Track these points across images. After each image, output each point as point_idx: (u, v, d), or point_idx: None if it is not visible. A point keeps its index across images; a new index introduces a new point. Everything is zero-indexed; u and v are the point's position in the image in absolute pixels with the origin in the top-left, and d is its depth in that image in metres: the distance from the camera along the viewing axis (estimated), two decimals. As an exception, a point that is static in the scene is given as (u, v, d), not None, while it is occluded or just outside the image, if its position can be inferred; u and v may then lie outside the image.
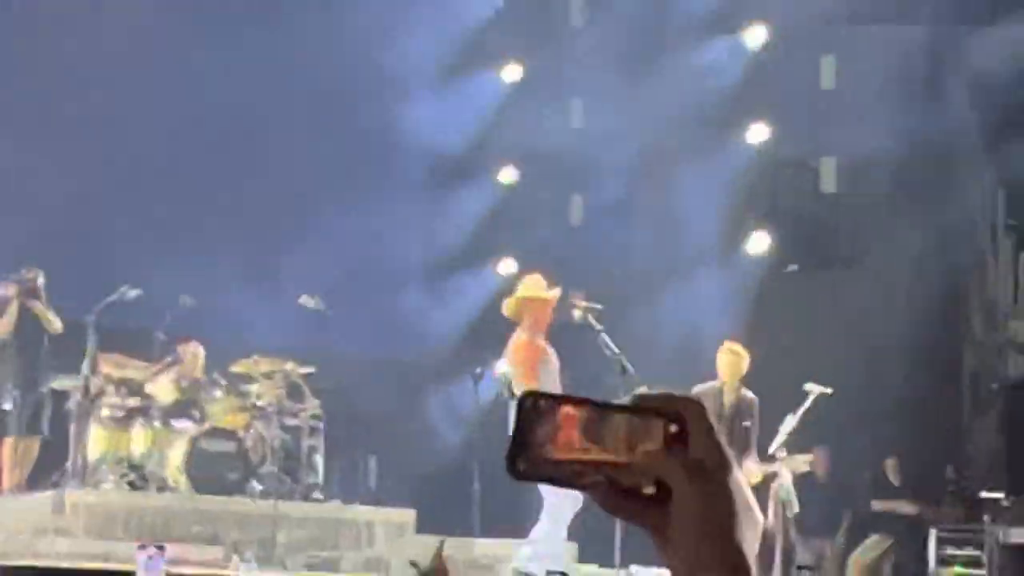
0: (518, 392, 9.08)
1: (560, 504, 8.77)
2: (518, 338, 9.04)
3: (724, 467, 0.68)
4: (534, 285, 9.30)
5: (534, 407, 0.67)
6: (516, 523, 10.22)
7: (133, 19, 10.98)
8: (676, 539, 0.67)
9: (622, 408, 0.70)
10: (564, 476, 0.69)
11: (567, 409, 0.67)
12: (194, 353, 9.21)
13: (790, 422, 9.19)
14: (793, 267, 13.94)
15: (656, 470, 0.67)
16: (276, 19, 11.28)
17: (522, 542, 9.69)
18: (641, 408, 0.69)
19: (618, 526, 8.42)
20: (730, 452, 0.71)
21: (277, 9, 11.46)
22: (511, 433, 0.67)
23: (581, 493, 0.80)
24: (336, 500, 9.61)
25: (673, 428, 0.66)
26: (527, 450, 0.67)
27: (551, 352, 9.09)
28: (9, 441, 8.41)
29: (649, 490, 0.68)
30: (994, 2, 13.63)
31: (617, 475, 0.68)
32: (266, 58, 10.81)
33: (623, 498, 0.69)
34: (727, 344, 9.05)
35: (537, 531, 9.20)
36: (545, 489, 8.33)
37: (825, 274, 14.28)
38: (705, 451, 0.67)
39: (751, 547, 0.68)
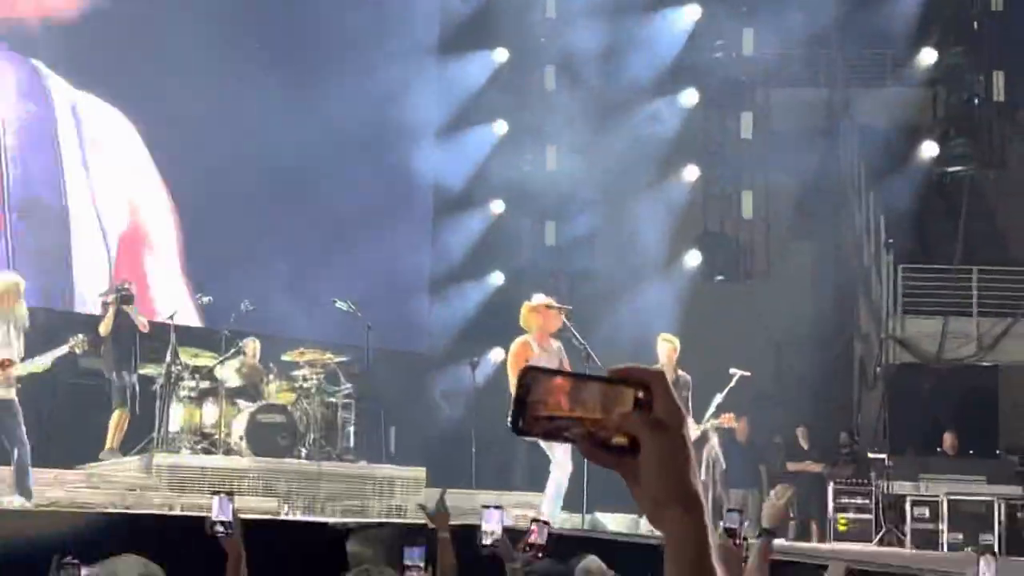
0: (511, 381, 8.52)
1: (565, 461, 8.12)
2: (518, 340, 8.42)
3: (681, 424, 0.69)
4: (539, 301, 8.61)
5: (532, 378, 0.68)
6: (503, 477, 10.32)
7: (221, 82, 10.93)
8: (644, 481, 0.69)
9: (599, 379, 0.71)
10: (553, 431, 0.70)
11: (557, 380, 0.69)
12: (253, 346, 8.99)
13: (718, 398, 8.97)
14: (720, 277, 13.42)
15: (627, 427, 0.68)
16: (323, 85, 11.13)
17: (509, 492, 9.23)
18: (614, 379, 0.70)
19: (585, 479, 8.16)
20: (684, 412, 0.72)
21: (324, 78, 11.25)
22: (514, 398, 0.69)
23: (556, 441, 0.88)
24: (363, 461, 9.22)
25: (640, 394, 0.67)
26: (525, 411, 0.69)
27: (538, 352, 8.31)
28: (115, 413, 8.28)
29: (622, 442, 0.68)
30: (877, 70, 13.62)
31: (596, 431, 0.69)
32: (313, 114, 10.60)
33: (601, 449, 0.70)
34: (662, 335, 8.90)
35: (551, 484, 8.38)
36: (551, 448, 7.96)
37: (744, 283, 13.78)
38: (665, 411, 0.68)
39: (702, 487, 0.71)
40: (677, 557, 0.70)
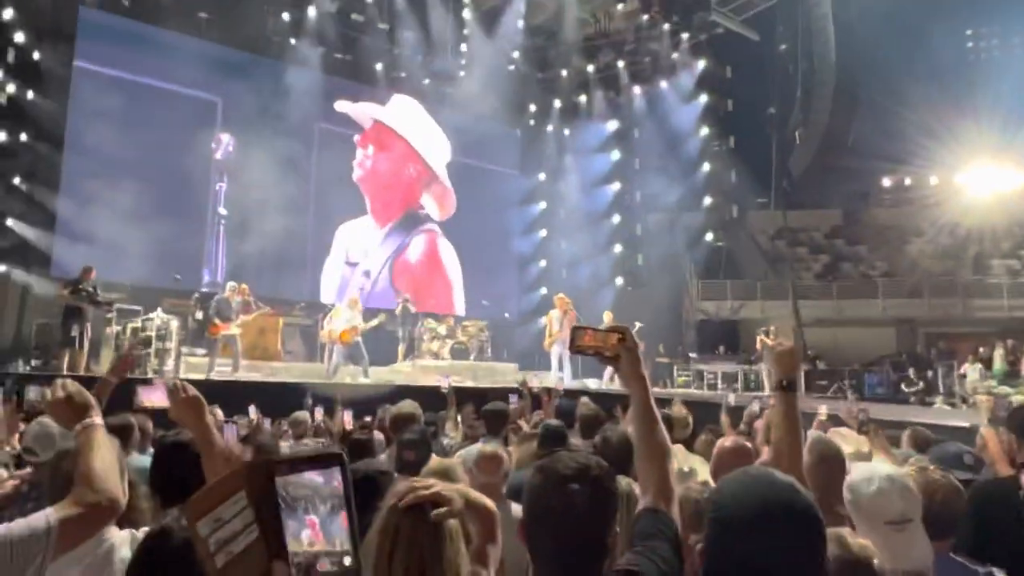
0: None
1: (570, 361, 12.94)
2: (549, 315, 13.67)
3: (635, 347, 1.60)
4: (561, 298, 13.61)
5: (579, 327, 1.57)
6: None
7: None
8: (624, 372, 1.60)
9: (604, 330, 1.60)
10: (586, 350, 1.56)
11: (589, 329, 1.57)
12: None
13: (634, 330, 17.33)
14: (629, 287, 20.55)
15: (616, 350, 1.56)
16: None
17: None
18: (610, 329, 1.58)
19: (580, 362, 13.34)
20: (636, 343, 1.59)
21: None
22: (570, 337, 1.60)
23: (590, 356, 1.63)
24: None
25: (620, 335, 1.54)
26: (574, 342, 1.57)
27: (558, 320, 12.97)
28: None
29: (613, 355, 1.58)
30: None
31: (604, 351, 1.57)
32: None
33: (607, 359, 1.57)
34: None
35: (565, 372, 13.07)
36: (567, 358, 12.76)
37: (640, 290, 20.51)
38: (631, 341, 1.59)
39: (646, 374, 1.55)
40: (637, 406, 1.56)
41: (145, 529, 1.81)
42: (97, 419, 1.80)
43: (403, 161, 20.19)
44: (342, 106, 18.91)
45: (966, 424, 6.82)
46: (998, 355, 16.00)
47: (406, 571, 1.26)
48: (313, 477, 0.77)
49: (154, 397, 2.42)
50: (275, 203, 15.67)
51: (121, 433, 4.29)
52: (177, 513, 1.62)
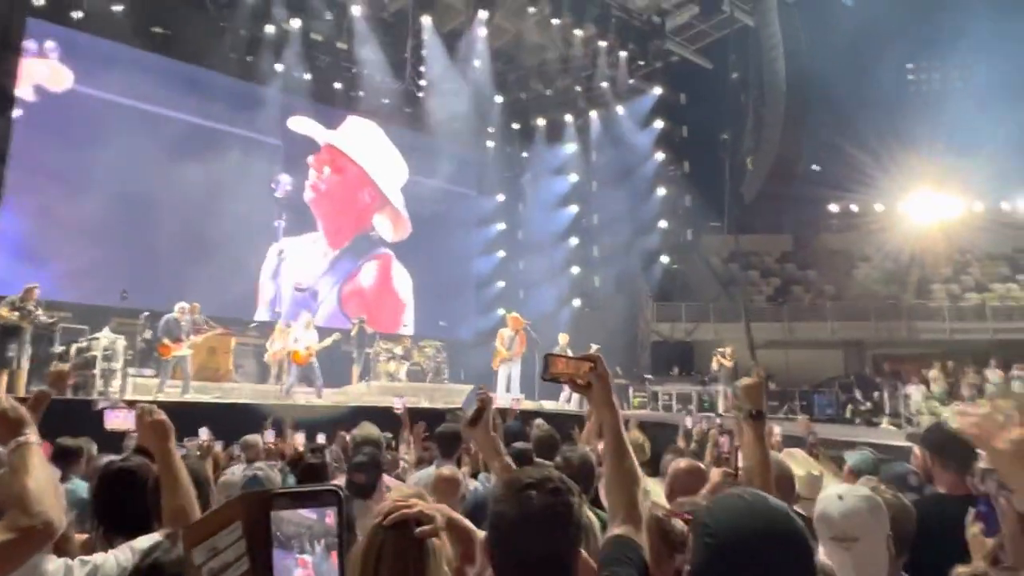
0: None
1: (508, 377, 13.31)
2: (500, 333, 13.96)
3: (606, 375, 1.65)
4: (514, 317, 14.04)
5: (552, 355, 1.66)
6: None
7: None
8: (595, 400, 1.66)
9: (577, 358, 1.68)
10: (559, 378, 1.63)
11: (561, 357, 1.67)
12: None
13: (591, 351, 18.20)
14: (586, 309, 21.81)
15: (588, 378, 1.62)
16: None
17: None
18: (582, 357, 1.66)
19: (536, 387, 13.17)
20: (607, 371, 1.65)
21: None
22: (543, 364, 1.65)
23: (562, 384, 1.69)
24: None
25: (592, 363, 1.62)
26: (548, 369, 1.63)
27: (509, 339, 13.36)
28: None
29: (584, 383, 1.64)
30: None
31: (576, 379, 1.64)
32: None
33: (577, 387, 1.65)
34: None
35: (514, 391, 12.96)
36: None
37: (596, 311, 21.53)
38: (602, 370, 1.64)
39: (616, 400, 1.62)
40: (608, 433, 1.63)
41: (82, 558, 1.75)
42: (32, 436, 1.69)
43: (357, 185, 20.17)
44: (296, 123, 18.80)
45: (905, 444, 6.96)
46: (938, 376, 16.49)
47: None
48: (308, 514, 0.76)
49: (119, 420, 2.37)
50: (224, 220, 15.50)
51: (70, 456, 4.17)
52: (164, 544, 1.58)
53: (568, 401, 12.84)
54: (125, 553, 1.72)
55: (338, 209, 19.67)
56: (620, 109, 21.76)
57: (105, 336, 11.43)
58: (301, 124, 18.90)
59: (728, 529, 1.19)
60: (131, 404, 2.21)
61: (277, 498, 0.75)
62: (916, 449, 3.43)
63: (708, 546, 1.19)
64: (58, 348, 11.31)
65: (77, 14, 15.29)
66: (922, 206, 24.34)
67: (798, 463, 3.07)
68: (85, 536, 2.37)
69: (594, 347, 13.94)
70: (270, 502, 0.75)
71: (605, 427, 1.67)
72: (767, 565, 1.15)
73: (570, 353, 4.29)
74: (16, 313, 10.18)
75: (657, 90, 21.57)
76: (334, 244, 19.68)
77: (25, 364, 10.28)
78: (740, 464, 2.38)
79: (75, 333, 11.81)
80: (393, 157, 20.47)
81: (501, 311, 20.88)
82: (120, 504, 2.19)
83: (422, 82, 19.86)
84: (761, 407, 2.19)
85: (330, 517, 0.76)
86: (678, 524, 2.00)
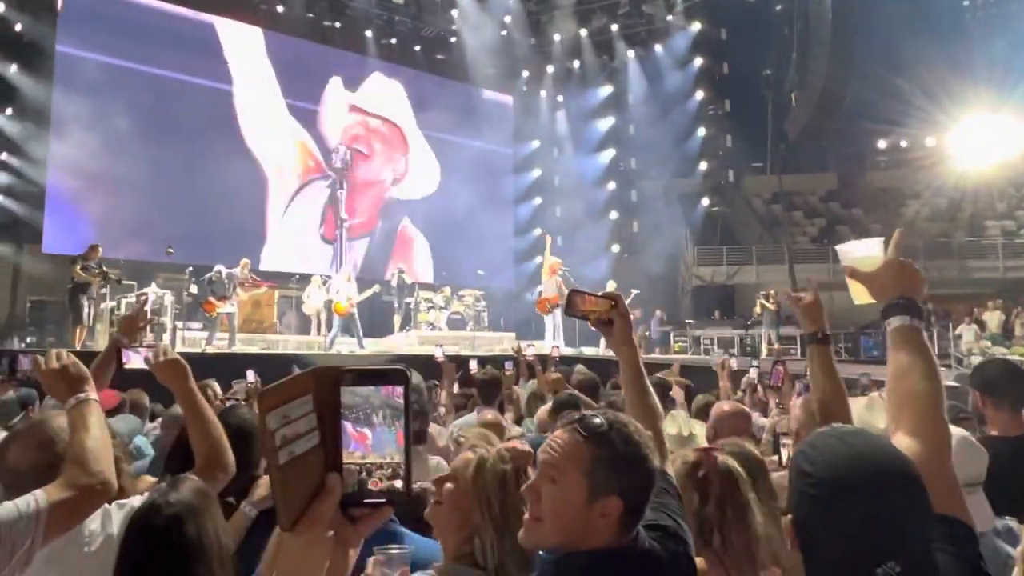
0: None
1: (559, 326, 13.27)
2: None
3: (627, 313, 1.69)
4: (552, 258, 14.30)
5: (576, 292, 1.65)
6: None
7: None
8: (615, 338, 1.69)
9: (599, 294, 1.68)
10: (581, 316, 1.64)
11: (584, 294, 1.66)
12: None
13: (631, 297, 13.12)
14: (625, 255, 21.38)
15: (609, 315, 1.65)
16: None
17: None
18: (605, 295, 1.67)
19: (577, 328, 13.25)
20: (628, 310, 1.64)
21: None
22: (565, 300, 1.67)
23: (588, 321, 1.68)
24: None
25: (614, 301, 1.65)
26: (571, 307, 1.63)
27: (545, 283, 13.83)
28: None
29: (606, 319, 1.67)
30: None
31: (599, 316, 1.65)
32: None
33: (600, 325, 1.67)
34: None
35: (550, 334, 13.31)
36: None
37: (635, 256, 21.16)
38: (623, 309, 1.67)
39: (635, 338, 1.67)
40: (627, 371, 1.72)
41: (119, 501, 1.78)
42: (92, 394, 1.70)
43: (383, 157, 20.08)
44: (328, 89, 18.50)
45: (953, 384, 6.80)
46: (993, 315, 16.04)
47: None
48: (376, 391, 0.76)
49: (134, 361, 2.40)
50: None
51: (139, 410, 4.32)
52: (164, 487, 1.59)
53: (608, 348, 12.94)
54: None
55: (361, 195, 19.73)
56: (658, 47, 21.12)
57: (153, 291, 11.68)
58: (332, 89, 18.80)
59: (832, 476, 1.08)
60: (149, 347, 2.22)
61: (346, 373, 0.75)
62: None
63: (813, 497, 1.08)
64: (110, 304, 11.62)
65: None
66: (976, 140, 23.31)
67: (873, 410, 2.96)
68: (154, 480, 2.43)
69: (633, 292, 13.99)
70: (341, 378, 0.74)
71: (625, 365, 1.70)
72: (882, 512, 1.04)
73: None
74: (88, 271, 10.46)
75: (696, 26, 20.83)
76: (356, 231, 19.74)
77: (92, 321, 10.68)
78: (802, 396, 2.30)
79: (124, 289, 12.10)
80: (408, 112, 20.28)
81: (539, 259, 20.91)
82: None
83: (453, 27, 19.50)
84: (824, 328, 2.07)
85: (398, 395, 0.76)
86: (707, 463, 1.98)
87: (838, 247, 1.69)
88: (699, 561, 1.46)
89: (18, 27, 14.45)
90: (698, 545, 1.48)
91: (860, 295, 1.57)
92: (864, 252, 1.60)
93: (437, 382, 6.27)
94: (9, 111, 14.28)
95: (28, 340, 11.99)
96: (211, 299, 11.53)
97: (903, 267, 1.46)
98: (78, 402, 1.67)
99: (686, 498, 1.56)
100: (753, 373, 5.73)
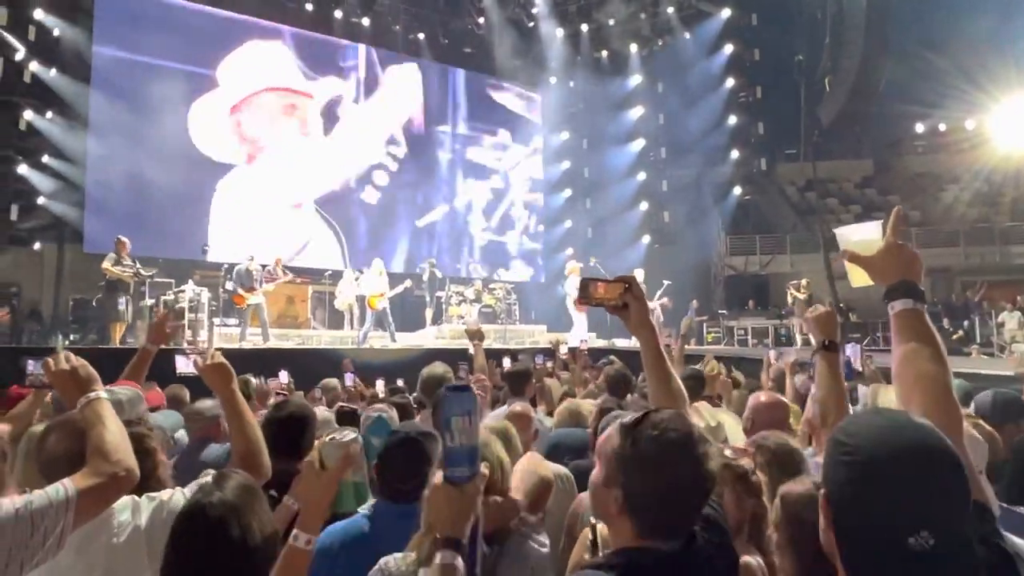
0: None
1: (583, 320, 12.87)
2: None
3: (643, 297, 1.60)
4: (574, 265, 13.77)
5: (589, 279, 1.63)
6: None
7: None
8: (632, 321, 1.63)
9: (613, 280, 1.63)
10: (597, 302, 1.60)
11: (599, 281, 1.64)
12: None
13: (659, 292, 14.10)
14: (657, 245, 21.72)
15: (624, 299, 1.61)
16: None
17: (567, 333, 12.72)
18: (618, 279, 1.62)
19: (609, 320, 12.52)
20: (644, 294, 1.64)
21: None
22: (580, 289, 1.64)
23: (605, 307, 1.67)
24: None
25: (629, 285, 1.60)
26: (585, 295, 1.62)
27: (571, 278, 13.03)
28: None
29: (622, 305, 1.62)
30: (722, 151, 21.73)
31: (615, 303, 1.62)
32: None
33: (616, 310, 1.61)
34: (637, 270, 14.81)
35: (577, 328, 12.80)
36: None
37: (666, 247, 21.22)
38: (638, 292, 1.59)
39: (654, 321, 1.66)
40: (648, 353, 1.69)
41: (149, 495, 1.87)
42: (101, 392, 1.80)
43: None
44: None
45: (1010, 372, 6.65)
46: (1037, 302, 15.61)
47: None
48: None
49: (186, 366, 2.52)
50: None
51: (178, 404, 4.44)
52: (209, 484, 1.63)
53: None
54: (193, 490, 1.79)
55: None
56: (687, 35, 20.85)
57: (190, 288, 11.87)
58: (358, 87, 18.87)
59: (872, 446, 1.05)
60: (200, 352, 2.32)
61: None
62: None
63: (849, 465, 1.05)
64: (148, 301, 11.85)
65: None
66: (1017, 121, 22.59)
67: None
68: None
69: (665, 283, 14.01)
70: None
71: (645, 348, 1.67)
72: (920, 482, 1.02)
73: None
74: (121, 269, 10.57)
75: (726, 12, 20.53)
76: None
77: (130, 317, 10.78)
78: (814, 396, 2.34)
79: (162, 287, 12.33)
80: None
81: (569, 250, 20.75)
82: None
83: (480, 19, 19.48)
84: (833, 337, 2.15)
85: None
86: (744, 463, 1.98)
87: (836, 230, 1.70)
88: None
89: (56, 32, 14.73)
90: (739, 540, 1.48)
91: (858, 278, 1.58)
92: (862, 235, 1.62)
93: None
94: (49, 114, 14.59)
95: (72, 338, 12.26)
96: (240, 291, 11.65)
97: (902, 250, 1.48)
98: (89, 401, 1.77)
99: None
100: (771, 355, 5.58)
